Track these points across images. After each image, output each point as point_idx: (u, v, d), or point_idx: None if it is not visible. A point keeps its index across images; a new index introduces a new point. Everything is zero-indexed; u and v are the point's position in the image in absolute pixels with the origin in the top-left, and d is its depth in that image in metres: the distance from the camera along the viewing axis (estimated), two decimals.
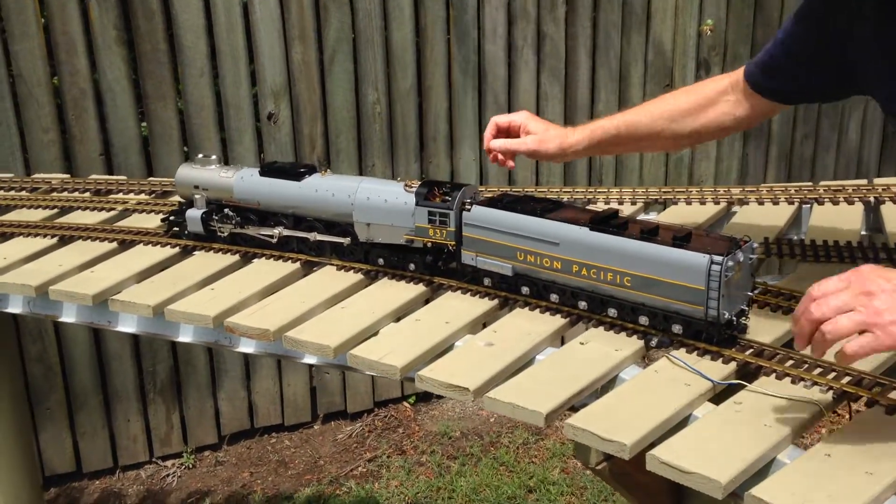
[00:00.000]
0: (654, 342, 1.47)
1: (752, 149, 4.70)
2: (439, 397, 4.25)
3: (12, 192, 2.48)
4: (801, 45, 1.65)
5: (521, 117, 1.89)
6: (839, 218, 2.01)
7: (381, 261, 1.79)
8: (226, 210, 1.94)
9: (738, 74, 1.77)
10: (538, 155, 1.88)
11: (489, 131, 1.90)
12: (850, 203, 2.10)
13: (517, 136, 1.89)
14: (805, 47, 1.64)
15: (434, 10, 3.85)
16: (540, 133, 1.86)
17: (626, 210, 2.17)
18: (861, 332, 1.12)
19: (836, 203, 2.10)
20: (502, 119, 1.90)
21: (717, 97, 1.79)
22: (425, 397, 4.26)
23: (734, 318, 1.43)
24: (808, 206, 2.11)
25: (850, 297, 1.13)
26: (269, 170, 1.90)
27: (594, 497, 3.52)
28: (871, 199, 2.10)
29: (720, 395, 1.35)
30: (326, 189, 1.81)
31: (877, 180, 2.21)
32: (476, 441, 3.96)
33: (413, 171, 4.00)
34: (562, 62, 4.18)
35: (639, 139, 1.87)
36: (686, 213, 2.14)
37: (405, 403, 4.26)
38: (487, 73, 4.04)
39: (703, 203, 2.18)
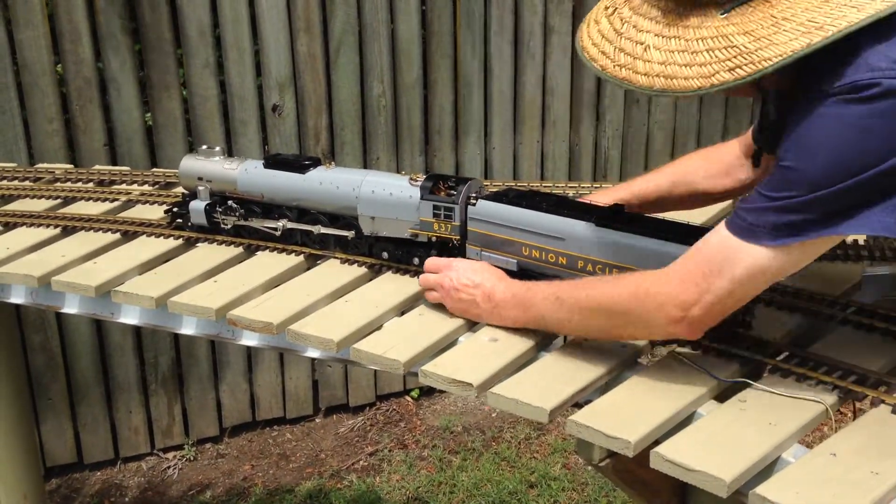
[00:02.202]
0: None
1: None
2: (442, 391, 4.25)
3: (15, 182, 2.47)
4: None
5: None
6: None
7: (385, 254, 1.78)
8: (229, 202, 1.93)
9: (747, 138, 1.74)
10: None
11: None
12: None
13: None
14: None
15: (440, 2, 3.84)
16: None
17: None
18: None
19: None
20: None
21: (731, 163, 1.76)
22: (429, 391, 4.26)
23: (740, 316, 1.42)
24: None
25: (445, 264, 1.61)
26: (273, 162, 1.89)
27: (595, 493, 3.52)
28: None
29: (725, 392, 1.34)
30: (331, 182, 1.80)
31: None
32: (478, 436, 3.95)
33: (418, 164, 3.99)
34: (568, 56, 4.17)
35: (658, 208, 1.83)
36: (694, 210, 2.13)
37: (407, 397, 4.26)
38: (493, 66, 4.03)
39: None
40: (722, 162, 1.79)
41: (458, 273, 1.57)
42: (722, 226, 1.28)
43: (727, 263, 1.25)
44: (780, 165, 1.22)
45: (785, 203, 1.20)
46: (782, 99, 1.34)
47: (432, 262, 1.64)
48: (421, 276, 1.65)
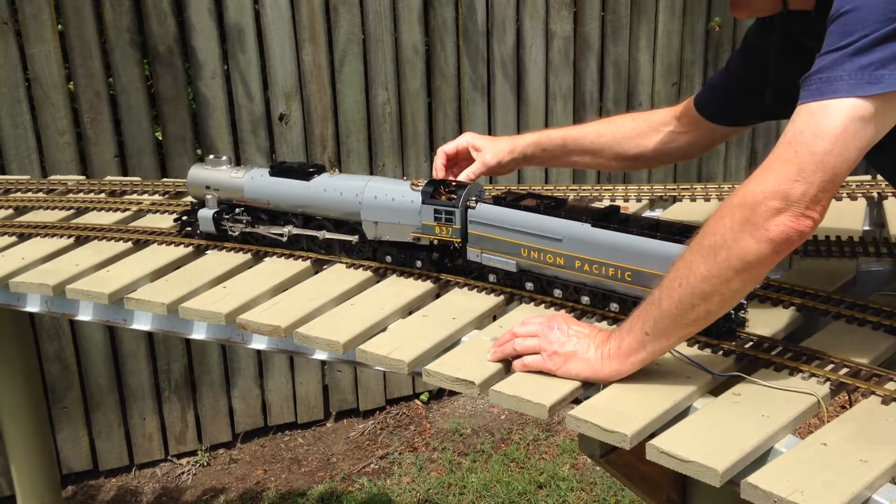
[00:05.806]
0: None
1: (762, 146, 4.71)
2: (451, 395, 4.29)
3: (29, 194, 2.53)
4: (743, 71, 1.74)
5: (465, 139, 1.92)
6: (842, 213, 2.03)
7: (388, 258, 1.83)
8: (237, 210, 1.98)
9: (683, 106, 1.85)
10: (494, 172, 1.92)
11: (439, 161, 1.91)
12: (854, 199, 2.12)
13: (466, 159, 1.92)
14: (747, 73, 1.72)
15: (443, 10, 3.89)
16: (490, 150, 1.89)
17: (633, 207, 2.20)
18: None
19: (839, 198, 2.12)
20: (449, 147, 1.92)
21: (659, 127, 1.88)
22: (438, 395, 4.30)
23: (733, 312, 1.46)
24: None
25: (537, 327, 1.42)
26: (278, 170, 1.93)
27: (604, 493, 3.55)
28: (875, 194, 2.12)
29: (719, 386, 1.38)
30: (335, 188, 1.85)
31: (880, 176, 2.22)
32: (487, 438, 3.99)
33: (423, 170, 4.03)
34: (570, 61, 4.21)
35: (582, 153, 1.94)
36: (691, 209, 2.17)
37: (416, 401, 4.29)
38: (496, 72, 4.07)
39: (707, 200, 2.21)
40: (648, 124, 1.89)
41: (561, 333, 1.41)
42: (798, 108, 1.19)
43: (813, 130, 1.15)
44: (839, 15, 1.16)
45: (859, 44, 1.13)
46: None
47: (525, 326, 1.46)
48: (507, 343, 1.45)
